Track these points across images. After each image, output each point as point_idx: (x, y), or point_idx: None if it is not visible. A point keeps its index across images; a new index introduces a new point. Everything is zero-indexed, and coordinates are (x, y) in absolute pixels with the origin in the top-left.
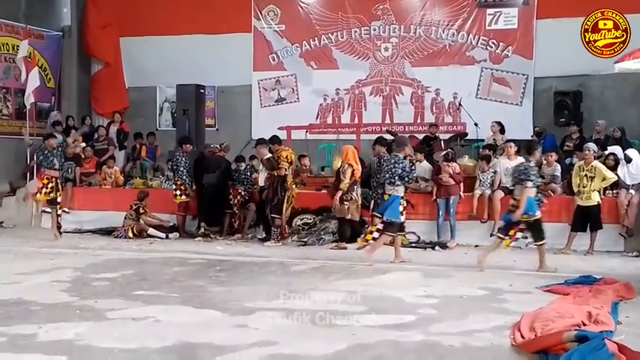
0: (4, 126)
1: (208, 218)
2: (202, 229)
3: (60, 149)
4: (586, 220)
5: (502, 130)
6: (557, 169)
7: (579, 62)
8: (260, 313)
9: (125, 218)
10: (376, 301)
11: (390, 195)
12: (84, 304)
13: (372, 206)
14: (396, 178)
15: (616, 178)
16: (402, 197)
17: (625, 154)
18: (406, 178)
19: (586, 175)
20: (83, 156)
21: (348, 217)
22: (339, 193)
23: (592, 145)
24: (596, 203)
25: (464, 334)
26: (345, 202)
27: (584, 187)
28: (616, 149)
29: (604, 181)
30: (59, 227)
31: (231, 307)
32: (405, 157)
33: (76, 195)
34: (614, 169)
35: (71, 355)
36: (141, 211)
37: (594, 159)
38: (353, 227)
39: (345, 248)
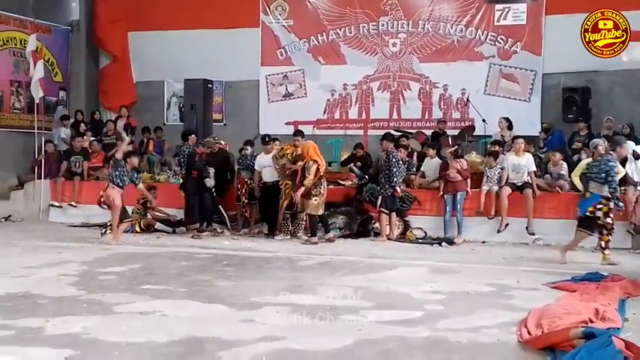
0: (14, 120)
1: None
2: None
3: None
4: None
5: (510, 127)
6: (564, 168)
7: (588, 58)
8: (267, 307)
9: (132, 212)
10: (383, 297)
11: (591, 193)
12: (91, 297)
13: (379, 202)
14: (603, 176)
15: (624, 172)
16: (603, 197)
17: (634, 151)
18: (608, 178)
19: None
20: (91, 150)
21: (319, 212)
22: (302, 189)
23: (600, 141)
24: None
25: (471, 330)
26: (315, 198)
27: None
28: (629, 144)
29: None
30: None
31: (238, 302)
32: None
33: (83, 189)
34: (622, 165)
35: (78, 348)
36: (148, 205)
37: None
38: (322, 221)
39: (316, 243)
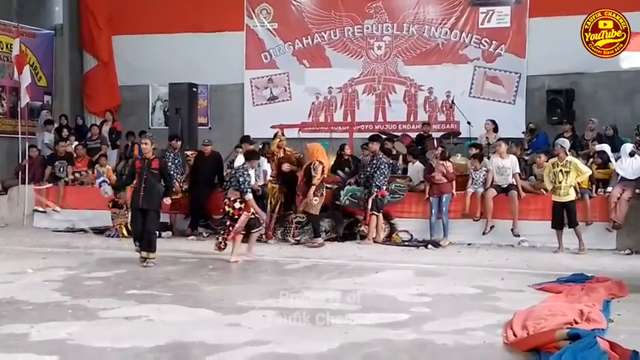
0: None
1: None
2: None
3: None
4: (563, 216)
5: (495, 129)
6: None
7: (572, 60)
8: (253, 312)
9: (113, 218)
10: (369, 300)
11: None
12: (76, 303)
13: (369, 205)
14: None
15: (590, 172)
16: None
17: (631, 149)
18: None
19: (561, 170)
20: (75, 155)
21: (317, 212)
22: (313, 188)
23: (561, 141)
24: (573, 199)
25: (457, 332)
26: (315, 199)
27: (559, 182)
28: (604, 147)
29: (579, 177)
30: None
31: (224, 306)
32: None
33: (68, 194)
34: (603, 167)
35: (63, 354)
36: (120, 202)
37: (568, 153)
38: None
39: (322, 244)
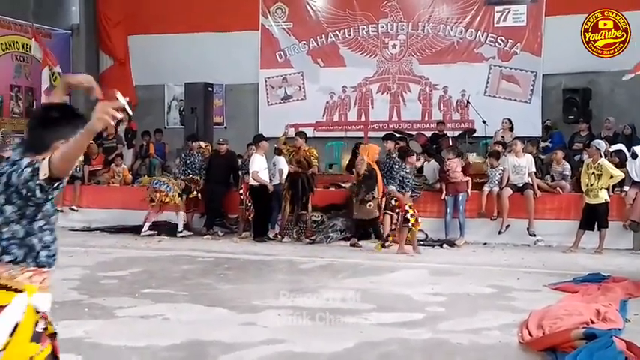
0: (14, 124)
1: None
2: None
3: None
4: (594, 218)
5: (511, 128)
6: (567, 168)
7: (588, 59)
8: (268, 310)
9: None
10: (384, 299)
11: None
12: (93, 302)
13: (383, 205)
14: None
15: (623, 176)
16: None
17: (632, 150)
18: None
19: (593, 173)
20: (91, 154)
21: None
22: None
23: (596, 143)
24: (603, 201)
25: (472, 331)
26: (369, 203)
27: (591, 185)
28: (620, 147)
29: (612, 179)
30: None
31: (240, 305)
32: None
33: (84, 193)
34: (620, 166)
35: (80, 352)
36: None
37: (603, 156)
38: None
39: (361, 246)
